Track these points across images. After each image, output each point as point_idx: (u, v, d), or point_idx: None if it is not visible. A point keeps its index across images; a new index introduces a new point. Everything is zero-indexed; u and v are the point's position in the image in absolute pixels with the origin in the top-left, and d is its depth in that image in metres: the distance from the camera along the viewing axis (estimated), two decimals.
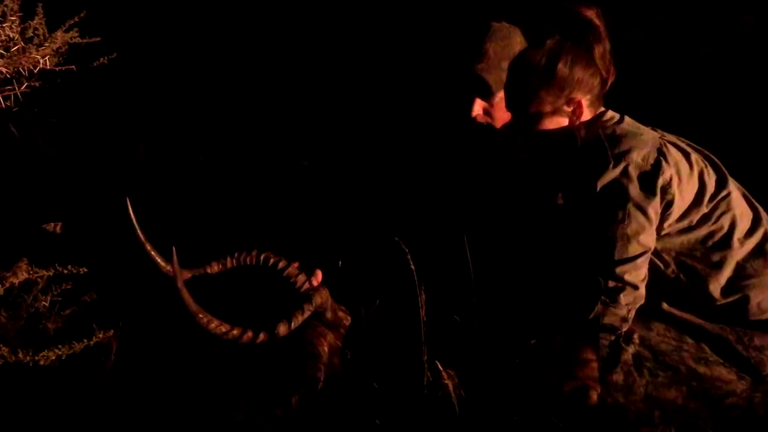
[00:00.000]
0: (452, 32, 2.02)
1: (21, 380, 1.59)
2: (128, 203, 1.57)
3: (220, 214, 2.29)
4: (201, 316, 1.53)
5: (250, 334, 1.58)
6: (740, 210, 1.73)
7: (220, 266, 1.74)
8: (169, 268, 1.62)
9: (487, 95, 1.93)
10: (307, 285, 1.72)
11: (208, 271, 1.72)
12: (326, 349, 1.73)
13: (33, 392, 1.61)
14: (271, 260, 1.74)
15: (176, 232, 1.88)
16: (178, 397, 1.64)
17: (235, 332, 1.57)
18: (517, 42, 1.93)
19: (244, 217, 2.29)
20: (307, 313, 1.67)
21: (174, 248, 1.49)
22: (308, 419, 1.67)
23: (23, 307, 1.74)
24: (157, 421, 1.61)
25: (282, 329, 1.62)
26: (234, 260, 1.74)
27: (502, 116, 1.98)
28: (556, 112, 1.70)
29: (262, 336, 1.59)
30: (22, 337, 1.67)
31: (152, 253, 1.61)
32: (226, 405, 1.62)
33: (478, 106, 1.94)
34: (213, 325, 1.55)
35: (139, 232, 1.59)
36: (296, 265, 1.74)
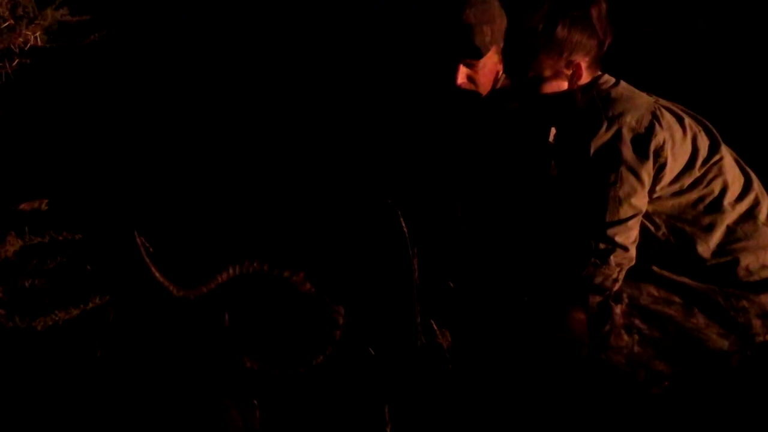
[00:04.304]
0: (431, 3, 2.04)
1: (19, 348, 1.60)
2: (137, 238, 1.61)
3: (213, 203, 2.31)
4: (248, 361, 1.72)
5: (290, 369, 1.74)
6: (732, 175, 1.75)
7: (223, 278, 1.77)
8: (181, 293, 1.72)
9: (472, 60, 1.95)
10: (312, 291, 1.79)
11: (213, 286, 1.76)
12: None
13: (31, 359, 1.62)
14: (276, 270, 1.79)
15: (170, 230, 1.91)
16: (180, 358, 1.67)
17: (275, 370, 1.74)
18: (495, 6, 1.95)
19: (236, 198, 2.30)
20: (337, 339, 1.79)
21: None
22: (307, 386, 1.71)
23: (19, 277, 1.75)
24: (158, 385, 1.63)
25: (318, 359, 1.76)
26: (236, 270, 1.77)
27: (485, 82, 2.00)
28: (556, 75, 1.70)
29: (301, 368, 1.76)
30: (18, 306, 1.68)
31: (165, 282, 1.69)
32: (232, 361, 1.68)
33: (462, 74, 1.96)
34: (255, 366, 1.72)
35: (147, 259, 1.65)
36: (301, 275, 1.81)
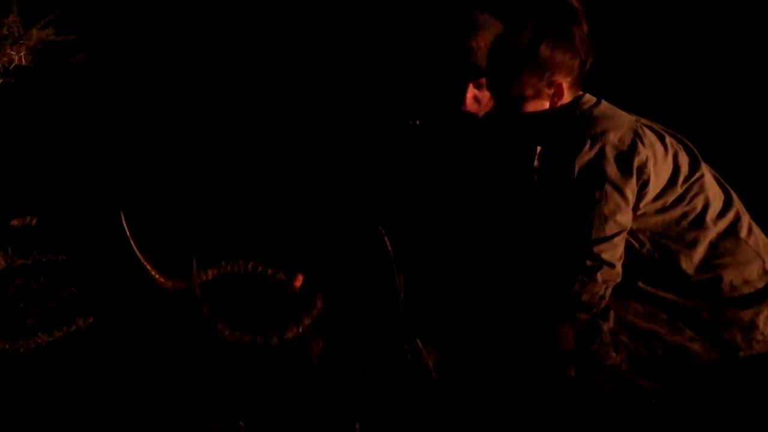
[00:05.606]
0: (439, 28, 2.06)
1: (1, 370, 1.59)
2: (122, 217, 1.62)
3: (202, 213, 2.31)
4: (221, 328, 1.70)
5: (261, 339, 1.74)
6: (713, 192, 1.78)
7: (210, 275, 1.79)
8: (169, 283, 1.74)
9: (482, 81, 1.97)
10: (295, 290, 1.81)
11: (198, 281, 1.76)
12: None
13: (14, 381, 1.61)
14: (260, 269, 1.82)
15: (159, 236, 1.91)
16: (167, 381, 1.67)
17: (246, 338, 1.73)
18: (500, 30, 1.97)
19: (226, 211, 2.31)
20: (312, 317, 1.80)
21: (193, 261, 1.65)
22: (293, 404, 1.70)
23: (1, 299, 1.74)
24: (144, 407, 1.63)
25: (291, 332, 1.77)
26: (222, 269, 1.80)
27: (487, 103, 2.03)
28: (537, 94, 1.73)
29: (275, 340, 1.75)
30: (1, 328, 1.66)
31: (152, 271, 1.70)
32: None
33: (471, 94, 1.99)
34: (227, 333, 1.71)
35: (135, 248, 1.66)
36: (282, 273, 1.84)
